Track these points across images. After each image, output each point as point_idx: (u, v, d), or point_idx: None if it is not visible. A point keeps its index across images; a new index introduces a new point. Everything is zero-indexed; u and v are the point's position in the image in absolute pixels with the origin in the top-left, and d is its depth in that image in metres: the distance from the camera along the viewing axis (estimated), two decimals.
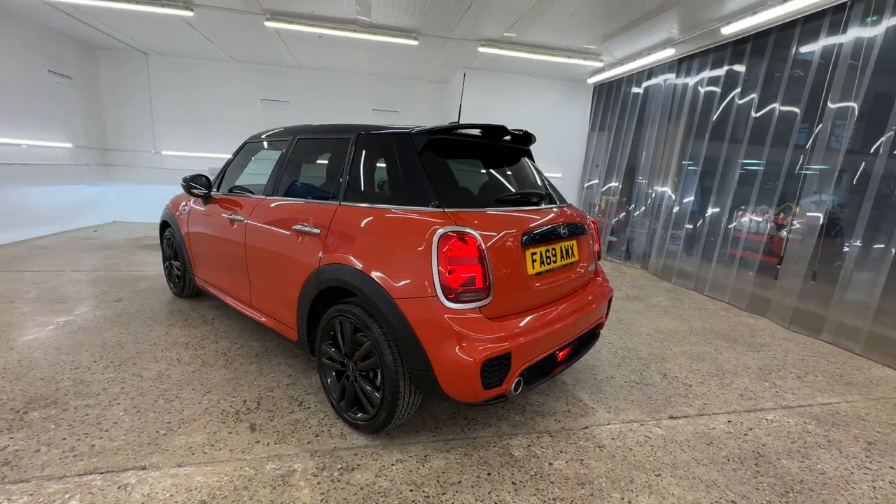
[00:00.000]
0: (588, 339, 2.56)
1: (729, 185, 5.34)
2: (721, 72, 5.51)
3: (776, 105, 4.77)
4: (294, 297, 2.40)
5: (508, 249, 1.99)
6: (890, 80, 3.71)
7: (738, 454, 2.19)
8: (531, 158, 2.82)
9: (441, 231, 1.83)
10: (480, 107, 7.51)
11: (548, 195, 2.57)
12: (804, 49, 4.53)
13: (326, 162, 2.74)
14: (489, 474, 1.93)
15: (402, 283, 1.87)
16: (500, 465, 1.99)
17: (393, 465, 1.95)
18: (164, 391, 2.45)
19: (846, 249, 4.04)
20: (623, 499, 1.82)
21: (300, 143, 2.77)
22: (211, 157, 8.11)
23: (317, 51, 6.98)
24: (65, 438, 1.99)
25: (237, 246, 2.89)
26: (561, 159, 8.29)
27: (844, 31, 4.10)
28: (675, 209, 6.21)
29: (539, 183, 2.65)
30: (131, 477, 1.78)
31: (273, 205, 2.68)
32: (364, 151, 2.31)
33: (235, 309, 3.08)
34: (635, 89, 7.10)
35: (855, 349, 3.74)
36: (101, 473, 1.79)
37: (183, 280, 3.84)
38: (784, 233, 5.07)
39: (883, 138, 3.74)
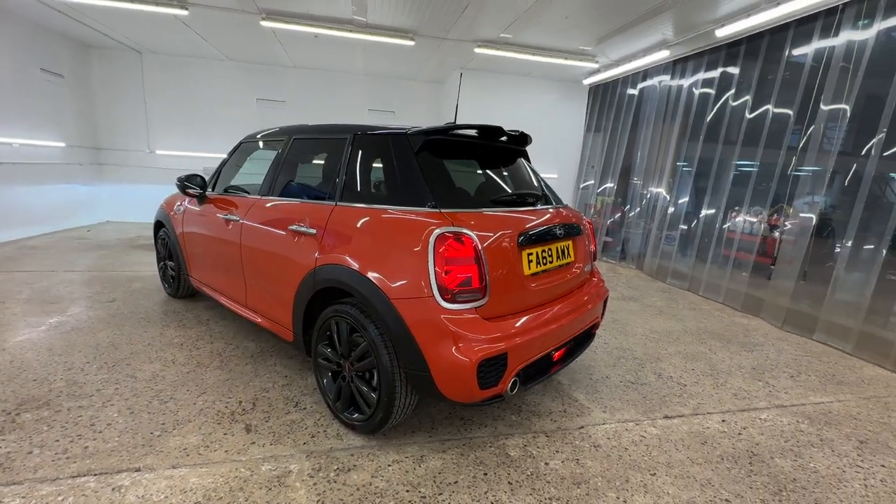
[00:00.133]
0: (584, 339, 2.57)
1: (723, 186, 5.38)
2: (715, 73, 5.55)
3: (769, 107, 4.82)
4: (290, 297, 2.39)
5: (505, 250, 2.00)
6: (881, 82, 3.75)
7: (732, 453, 2.21)
8: (527, 159, 2.83)
9: (437, 231, 1.84)
10: (477, 107, 7.53)
11: (544, 196, 2.58)
12: (797, 51, 4.58)
13: (322, 162, 2.73)
14: (485, 474, 1.93)
15: (399, 283, 1.87)
16: (496, 465, 2.00)
17: (389, 465, 1.94)
18: (159, 392, 2.43)
19: (838, 250, 4.09)
20: (619, 498, 1.83)
21: (296, 143, 2.76)
22: (206, 157, 8.07)
23: (313, 50, 6.96)
24: (58, 440, 1.98)
25: (232, 246, 2.88)
26: (557, 160, 8.32)
27: (836, 34, 4.15)
28: (670, 210, 6.25)
29: (535, 184, 2.66)
30: (125, 479, 1.77)
31: (269, 205, 2.67)
32: (360, 151, 2.31)
33: (231, 309, 3.07)
34: (630, 91, 7.14)
35: (846, 349, 3.78)
36: (95, 475, 1.77)
37: (177, 280, 3.82)
38: (777, 233, 5.12)
39: (874, 140, 3.78)
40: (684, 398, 2.75)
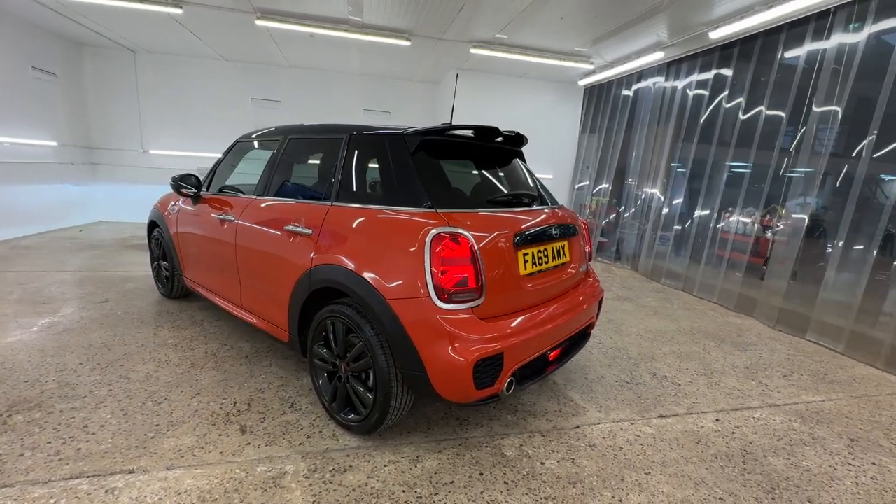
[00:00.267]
0: (579, 339, 2.58)
1: (717, 187, 5.42)
2: (709, 75, 5.60)
3: (762, 108, 4.86)
4: (285, 297, 2.38)
5: (500, 250, 2.00)
6: (872, 84, 3.80)
7: (726, 452, 2.23)
8: (523, 160, 2.83)
9: (434, 232, 1.84)
10: (472, 108, 7.53)
11: (539, 196, 2.58)
12: (789, 54, 4.62)
13: (318, 162, 2.72)
14: (481, 474, 1.93)
15: (395, 283, 1.87)
16: (492, 464, 2.00)
17: (385, 466, 1.94)
18: (153, 393, 2.41)
19: (829, 250, 4.13)
20: (614, 497, 1.84)
21: (292, 143, 2.75)
22: (200, 157, 8.02)
23: (308, 50, 6.94)
24: (50, 442, 1.96)
25: (227, 246, 2.86)
26: (552, 161, 8.34)
27: (828, 37, 4.19)
28: (665, 210, 6.29)
29: (531, 184, 2.67)
30: (119, 481, 1.75)
31: (264, 205, 2.66)
32: (356, 152, 2.31)
33: (225, 310, 3.05)
34: (625, 92, 7.18)
35: (838, 348, 3.82)
36: (88, 477, 1.76)
37: (171, 281, 3.79)
38: (770, 234, 5.16)
39: (865, 141, 3.82)
40: (679, 398, 2.76)
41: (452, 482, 1.87)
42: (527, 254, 2.14)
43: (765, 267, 4.93)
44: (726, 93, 5.35)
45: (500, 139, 2.52)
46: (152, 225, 3.98)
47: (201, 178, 3.36)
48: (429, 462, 1.99)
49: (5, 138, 5.99)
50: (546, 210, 2.46)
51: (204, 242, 3.20)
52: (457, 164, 2.47)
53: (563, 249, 2.43)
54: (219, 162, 3.37)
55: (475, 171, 2.53)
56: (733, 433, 2.41)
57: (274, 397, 2.45)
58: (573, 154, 8.56)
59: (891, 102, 3.67)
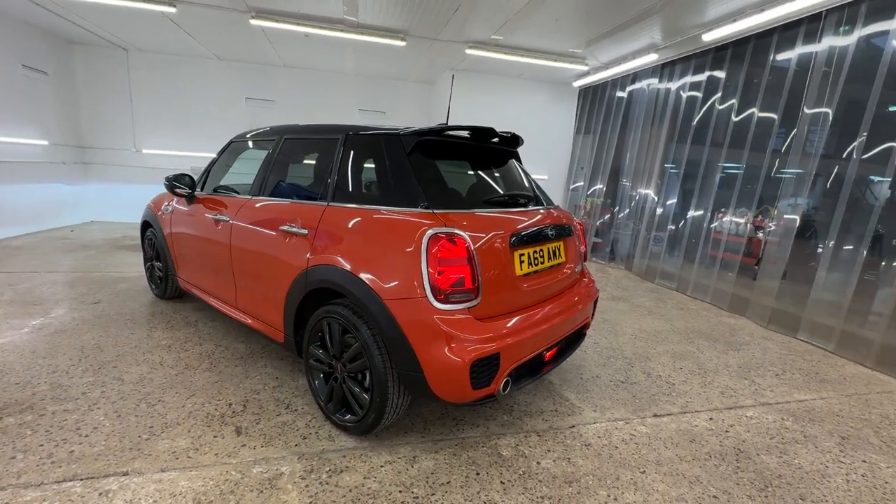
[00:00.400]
0: (574, 339, 2.59)
1: (710, 188, 5.47)
2: (702, 77, 5.64)
3: (755, 110, 4.91)
4: (281, 298, 2.37)
5: (497, 251, 2.01)
6: (862, 87, 3.86)
7: (720, 450, 2.25)
8: (519, 160, 2.84)
9: (430, 232, 1.84)
10: (467, 108, 7.54)
11: (535, 197, 2.59)
12: (781, 56, 4.68)
13: (314, 162, 2.72)
14: (478, 474, 1.94)
15: (392, 284, 1.87)
16: (488, 464, 2.01)
17: (382, 466, 1.94)
18: (147, 395, 2.39)
19: (820, 251, 4.18)
20: (609, 496, 1.85)
21: (287, 143, 2.74)
22: (194, 156, 7.97)
23: (303, 50, 6.91)
24: (42, 445, 1.94)
25: (222, 246, 2.85)
26: (547, 161, 8.37)
27: (819, 40, 4.25)
28: (659, 211, 6.34)
29: (526, 185, 2.68)
30: (112, 483, 1.74)
31: (259, 205, 2.65)
32: (353, 152, 2.30)
33: (220, 311, 3.03)
34: (619, 93, 7.23)
35: (829, 347, 3.87)
36: (81, 480, 1.74)
37: (165, 281, 3.76)
38: (762, 235, 5.22)
39: (855, 143, 3.88)
40: (673, 397, 2.79)
41: (449, 482, 1.87)
42: (523, 254, 2.15)
43: (757, 267, 4.98)
44: (719, 94, 5.40)
45: (496, 140, 2.53)
46: (145, 225, 3.95)
47: (195, 178, 3.34)
48: (425, 462, 1.99)
49: None
50: (542, 211, 2.47)
51: (198, 243, 3.18)
52: (453, 165, 2.47)
53: (559, 250, 2.44)
54: (213, 162, 3.35)
55: (471, 172, 2.53)
56: (727, 432, 2.43)
57: (269, 398, 2.44)
58: (568, 155, 8.60)
59: (880, 104, 3.73)
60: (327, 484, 1.81)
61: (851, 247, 3.95)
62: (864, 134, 3.81)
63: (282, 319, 2.43)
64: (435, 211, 1.95)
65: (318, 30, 5.70)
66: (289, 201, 2.52)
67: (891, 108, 3.84)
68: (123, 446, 1.96)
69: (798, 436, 2.44)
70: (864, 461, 2.26)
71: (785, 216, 4.53)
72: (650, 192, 6.55)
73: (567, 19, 5.12)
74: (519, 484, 1.89)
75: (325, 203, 2.26)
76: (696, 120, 5.71)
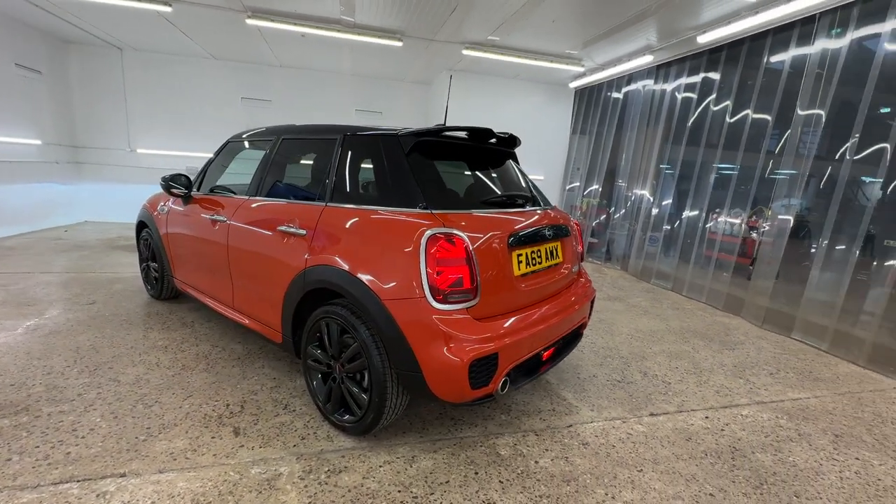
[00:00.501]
0: (572, 338, 2.61)
1: (704, 189, 5.51)
2: (697, 79, 5.69)
3: (749, 112, 4.96)
4: (279, 298, 2.37)
5: (495, 251, 2.02)
6: (854, 89, 3.90)
7: (716, 449, 2.27)
8: (516, 161, 2.85)
9: (429, 233, 1.85)
10: (464, 109, 7.55)
11: (532, 197, 2.61)
12: (775, 58, 4.72)
13: (312, 162, 2.72)
14: (476, 473, 1.94)
15: (390, 284, 1.88)
16: (486, 464, 2.02)
17: (380, 466, 1.94)
18: (143, 396, 2.38)
19: (813, 251, 4.23)
20: (607, 494, 1.87)
21: (285, 144, 2.74)
22: (189, 156, 7.94)
23: (299, 50, 6.90)
24: (38, 446, 1.92)
25: (219, 247, 2.84)
26: (543, 162, 8.40)
27: (812, 43, 4.29)
28: (654, 211, 6.38)
29: (524, 185, 2.69)
30: (110, 484, 1.73)
31: (257, 205, 2.65)
32: (351, 152, 2.31)
33: (217, 311, 3.02)
34: (615, 94, 7.26)
35: (822, 346, 3.91)
36: (78, 482, 1.73)
37: (161, 282, 3.74)
38: (756, 235, 5.27)
39: (847, 144, 3.92)
40: (669, 396, 2.81)
41: (448, 482, 1.88)
42: (521, 254, 2.15)
43: (751, 267, 5.03)
44: (714, 96, 5.44)
45: (493, 140, 2.54)
46: (141, 225, 3.92)
47: (192, 178, 3.33)
48: (424, 462, 1.99)
49: None
50: (539, 211, 2.48)
51: (195, 243, 3.17)
52: (451, 165, 2.48)
53: (556, 250, 2.46)
54: (209, 162, 3.34)
55: (469, 173, 2.54)
56: (722, 430, 2.45)
57: (267, 399, 2.44)
58: (564, 155, 8.63)
59: (872, 106, 3.78)
60: (326, 484, 1.81)
61: (844, 247, 4.00)
62: (857, 135, 3.85)
63: (280, 320, 2.42)
64: (433, 211, 1.95)
65: (315, 30, 5.69)
66: (287, 201, 2.52)
67: (882, 110, 3.88)
68: (120, 447, 1.95)
69: (792, 434, 2.47)
70: (858, 458, 2.29)
71: (779, 217, 4.58)
72: (646, 193, 6.59)
73: (563, 21, 5.14)
74: (517, 483, 1.90)
75: (324, 203, 2.26)
76: (691, 121, 5.75)
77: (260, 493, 1.73)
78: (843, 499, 1.96)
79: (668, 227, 6.17)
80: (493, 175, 2.64)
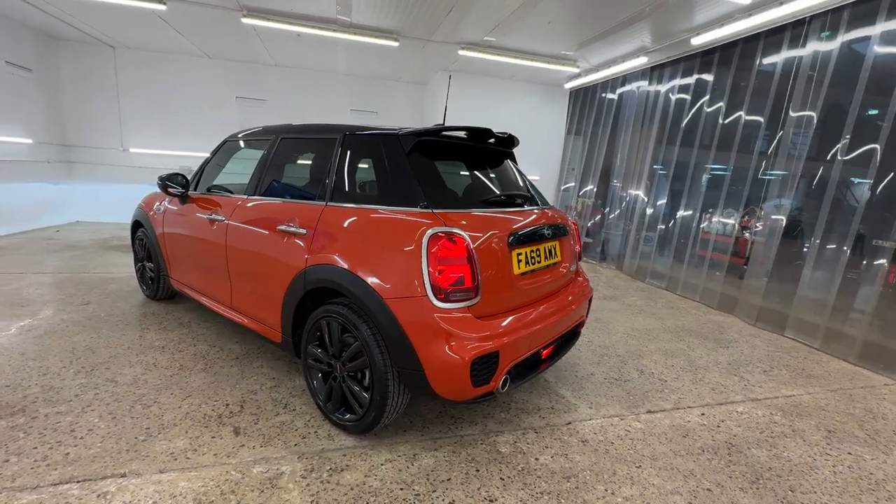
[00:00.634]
0: (570, 337, 2.63)
1: (698, 189, 5.57)
2: (691, 80, 5.75)
3: (742, 113, 5.02)
4: (279, 298, 2.37)
5: (495, 250, 2.03)
6: (845, 91, 3.97)
7: (712, 445, 2.30)
8: (514, 161, 2.87)
9: (430, 232, 1.86)
10: (459, 109, 7.57)
11: (531, 197, 2.63)
12: (767, 60, 4.79)
13: (311, 162, 2.72)
14: (477, 471, 1.96)
15: (392, 283, 1.88)
16: (487, 461, 2.03)
17: (382, 464, 1.95)
18: (142, 396, 2.37)
19: (805, 250, 4.29)
20: (607, 490, 1.89)
21: (283, 143, 2.73)
22: (183, 156, 7.89)
23: (295, 49, 6.88)
24: (36, 447, 1.91)
25: (217, 247, 2.83)
26: (538, 162, 8.44)
27: (804, 45, 4.36)
28: (649, 211, 6.43)
29: (522, 185, 2.71)
30: (111, 485, 1.72)
31: (256, 205, 2.64)
32: (351, 152, 2.31)
33: (214, 311, 3.01)
34: (610, 95, 7.32)
35: (815, 344, 3.98)
36: (78, 482, 1.72)
37: (157, 282, 3.72)
38: (749, 235, 5.33)
39: (838, 145, 3.99)
40: (665, 393, 2.84)
41: (449, 479, 1.89)
42: (520, 253, 2.17)
43: (745, 266, 5.09)
44: (707, 97, 5.51)
45: (492, 140, 2.55)
46: (136, 225, 3.89)
47: (188, 177, 3.31)
48: (425, 460, 2.00)
49: None
50: (538, 211, 2.50)
51: (192, 243, 3.15)
52: (450, 165, 2.49)
53: (555, 249, 2.48)
54: (206, 161, 3.32)
55: (468, 172, 2.56)
56: (718, 427, 2.49)
57: (267, 398, 2.43)
58: (559, 156, 8.68)
59: (863, 108, 3.84)
60: (328, 482, 1.81)
61: (835, 246, 4.06)
62: (847, 136, 3.92)
63: (279, 319, 2.42)
64: (434, 210, 1.97)
65: (311, 29, 5.68)
66: (286, 201, 2.52)
67: (870, 112, 3.95)
68: (120, 448, 1.94)
69: (787, 430, 2.51)
70: (850, 453, 2.33)
71: (771, 217, 4.64)
72: (640, 193, 6.65)
73: (559, 22, 5.18)
74: (518, 480, 1.91)
75: (324, 203, 2.26)
76: (685, 122, 5.81)
77: (262, 491, 1.74)
78: (837, 492, 2.00)
79: (663, 227, 6.23)
80: (492, 175, 2.66)
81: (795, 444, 2.37)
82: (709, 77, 5.49)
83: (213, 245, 2.87)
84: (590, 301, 2.81)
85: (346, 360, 2.08)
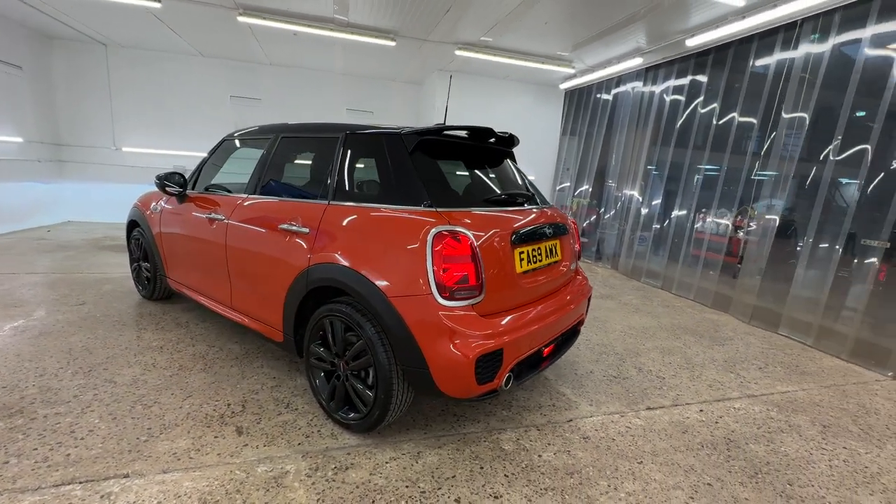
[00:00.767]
0: (570, 335, 2.65)
1: (692, 189, 5.64)
2: (685, 81, 5.81)
3: (735, 114, 5.09)
4: (280, 297, 2.36)
5: (498, 248, 2.04)
6: (836, 93, 4.04)
7: (711, 440, 2.33)
8: (513, 160, 2.89)
9: (435, 230, 1.86)
10: (455, 108, 7.57)
11: (531, 196, 2.64)
12: (760, 62, 4.86)
13: (313, 161, 2.71)
14: (482, 468, 1.97)
15: (397, 281, 1.89)
16: (491, 458, 2.04)
17: (387, 462, 1.95)
18: (141, 397, 2.35)
19: (798, 249, 4.36)
20: (610, 486, 1.91)
21: (284, 142, 2.73)
22: (176, 155, 7.83)
23: (290, 48, 6.85)
24: (36, 448, 1.89)
25: (217, 246, 2.81)
26: (533, 162, 8.47)
27: (796, 47, 4.43)
28: (644, 211, 6.49)
29: (523, 184, 2.73)
30: (114, 485, 1.71)
31: (257, 204, 2.63)
32: (354, 151, 2.31)
33: (213, 311, 2.99)
34: (605, 96, 7.37)
35: (808, 342, 4.04)
36: (81, 483, 1.71)
37: (153, 282, 3.68)
38: (742, 234, 5.40)
39: (830, 146, 4.06)
40: (664, 390, 2.87)
41: (454, 476, 1.90)
42: (522, 252, 2.19)
43: (738, 266, 5.15)
44: (701, 98, 5.57)
45: (492, 140, 2.57)
46: (132, 225, 3.85)
47: (186, 176, 3.29)
48: (429, 458, 2.01)
49: None
50: (539, 209, 2.52)
51: (190, 242, 3.13)
52: (451, 164, 2.50)
53: (556, 248, 2.49)
54: (205, 161, 3.30)
55: (469, 171, 2.56)
56: (716, 423, 2.52)
57: (268, 398, 2.43)
58: (554, 156, 8.73)
59: (854, 109, 3.91)
60: (334, 481, 1.81)
61: (827, 245, 4.13)
62: (839, 137, 3.99)
63: (281, 318, 2.41)
64: (438, 209, 1.97)
65: (308, 28, 5.66)
66: (288, 200, 2.51)
67: (858, 114, 4.01)
68: (122, 448, 1.93)
69: (783, 425, 2.55)
70: (845, 448, 2.38)
71: (765, 216, 4.71)
72: (635, 194, 6.70)
73: (556, 22, 5.21)
74: (522, 476, 1.93)
75: (326, 202, 2.26)
76: (680, 123, 5.87)
77: (268, 490, 1.73)
78: (834, 486, 2.04)
79: (658, 227, 6.29)
80: (493, 174, 2.67)
81: (792, 439, 2.41)
82: (703, 78, 5.56)
83: (212, 244, 2.86)
84: (589, 300, 2.84)
85: (350, 358, 2.08)
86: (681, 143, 5.86)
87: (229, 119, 7.84)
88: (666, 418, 2.52)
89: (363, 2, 4.91)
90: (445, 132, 2.30)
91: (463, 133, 2.43)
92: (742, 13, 4.43)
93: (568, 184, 8.42)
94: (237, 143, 3.18)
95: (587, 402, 2.63)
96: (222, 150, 3.28)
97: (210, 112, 7.92)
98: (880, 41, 3.80)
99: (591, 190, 7.79)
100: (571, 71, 7.06)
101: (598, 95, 7.53)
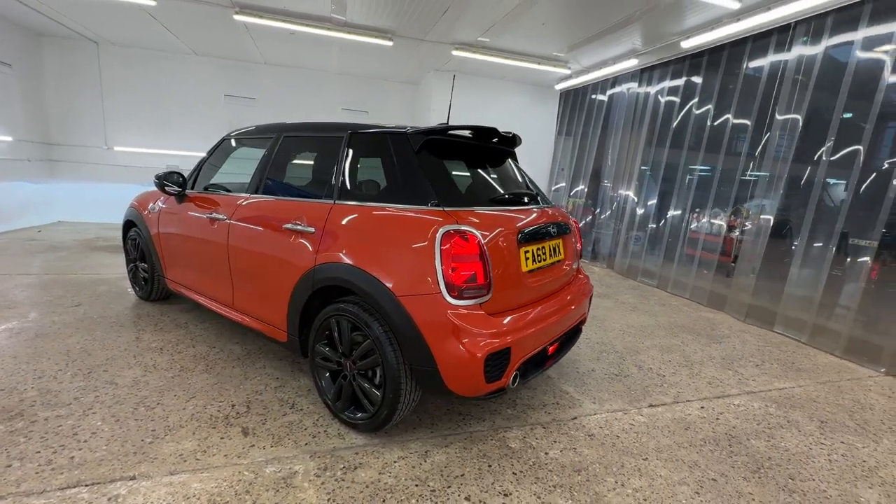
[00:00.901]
0: (573, 334, 2.67)
1: (687, 190, 5.70)
2: (680, 82, 5.87)
3: (729, 115, 5.15)
4: (285, 297, 2.35)
5: (505, 247, 2.05)
6: (829, 94, 4.11)
7: (713, 437, 2.36)
8: (515, 160, 2.90)
9: (443, 229, 1.87)
10: (453, 108, 7.57)
11: (535, 195, 2.66)
12: (754, 64, 4.93)
13: (316, 160, 2.70)
14: (490, 466, 1.98)
15: (405, 280, 1.89)
16: (499, 456, 2.05)
17: (395, 462, 1.96)
18: (144, 398, 2.32)
19: (793, 248, 4.43)
20: (617, 482, 1.93)
21: (286, 141, 2.71)
22: (169, 154, 7.75)
23: (286, 47, 6.81)
24: (38, 451, 1.86)
25: (218, 246, 2.79)
26: (528, 162, 8.41)
27: (789, 50, 4.50)
28: (639, 211, 6.55)
29: (523, 183, 2.75)
30: (121, 488, 1.69)
31: (260, 203, 2.61)
32: (359, 150, 2.31)
33: (214, 311, 2.96)
34: (600, 97, 7.43)
35: (802, 339, 4.11)
36: (87, 486, 1.68)
37: (151, 283, 3.64)
38: (736, 234, 5.47)
39: (823, 148, 4.13)
40: (665, 388, 2.90)
41: (463, 475, 1.90)
42: (528, 251, 2.20)
43: (733, 265, 5.22)
44: (696, 99, 5.63)
45: (496, 140, 2.58)
46: (129, 225, 3.81)
47: (185, 176, 3.26)
48: (437, 456, 2.02)
49: None
50: (542, 209, 2.53)
51: (190, 242, 3.10)
52: (455, 164, 2.51)
53: (559, 247, 2.51)
54: (204, 160, 3.27)
55: (472, 171, 2.57)
56: (717, 419, 2.56)
57: (273, 398, 2.41)
58: (549, 156, 8.77)
59: (846, 110, 3.99)
60: (343, 480, 1.81)
61: (821, 244, 4.20)
62: (832, 138, 4.06)
63: (285, 318, 2.40)
64: (445, 208, 1.98)
65: (304, 27, 5.63)
66: (292, 199, 2.49)
67: (845, 115, 4.07)
68: (126, 450, 1.90)
69: (782, 421, 2.60)
70: (843, 442, 2.42)
71: (760, 216, 4.77)
72: (630, 194, 6.76)
73: (552, 23, 5.24)
74: (530, 474, 1.94)
75: (332, 201, 2.26)
76: (674, 124, 5.94)
77: (277, 491, 1.72)
78: (834, 479, 2.08)
79: (653, 227, 6.35)
80: (497, 173, 2.69)
81: (791, 435, 2.45)
82: (698, 80, 5.62)
83: (213, 244, 2.83)
84: (590, 299, 2.86)
85: (357, 358, 2.08)
86: (675, 143, 5.92)
87: (223, 118, 7.78)
88: (668, 415, 2.55)
89: (361, 1, 4.90)
90: (450, 132, 2.31)
91: (467, 132, 2.43)
92: (736, 15, 4.49)
93: (563, 184, 8.47)
94: (237, 142, 3.16)
95: (590, 400, 2.66)
96: (222, 150, 3.25)
97: (204, 111, 7.85)
98: (871, 44, 3.88)
99: (586, 190, 7.85)
100: (567, 72, 7.10)
101: (594, 96, 7.58)
